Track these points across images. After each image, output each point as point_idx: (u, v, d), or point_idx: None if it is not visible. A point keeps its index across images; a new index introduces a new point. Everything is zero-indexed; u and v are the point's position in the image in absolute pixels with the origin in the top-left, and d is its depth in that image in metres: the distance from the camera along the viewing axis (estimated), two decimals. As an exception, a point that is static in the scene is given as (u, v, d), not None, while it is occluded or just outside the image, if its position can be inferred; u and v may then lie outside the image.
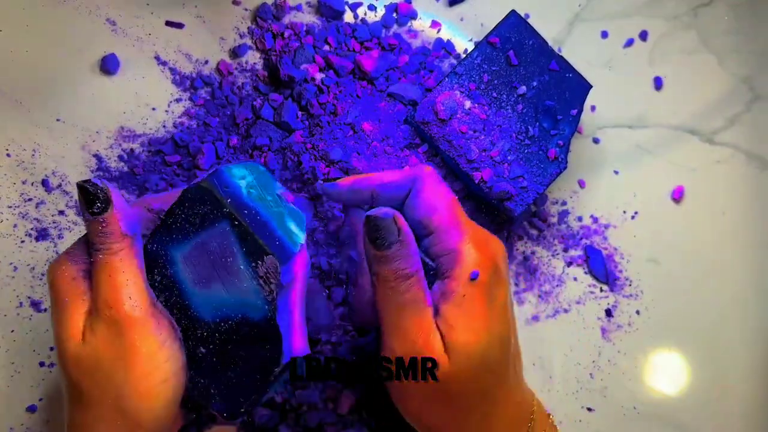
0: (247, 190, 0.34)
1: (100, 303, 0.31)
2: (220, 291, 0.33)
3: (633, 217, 0.50)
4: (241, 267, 0.32)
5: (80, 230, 0.45)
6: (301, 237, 0.34)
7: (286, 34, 0.48)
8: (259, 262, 0.32)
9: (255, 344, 0.33)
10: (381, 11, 0.50)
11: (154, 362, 0.31)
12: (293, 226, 0.34)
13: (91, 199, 0.31)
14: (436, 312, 0.32)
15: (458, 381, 0.32)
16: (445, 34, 0.51)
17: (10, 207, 0.45)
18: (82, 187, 0.31)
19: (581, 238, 0.50)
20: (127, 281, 0.31)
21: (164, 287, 0.33)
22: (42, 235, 0.45)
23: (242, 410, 0.33)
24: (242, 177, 0.34)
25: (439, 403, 0.33)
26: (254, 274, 0.32)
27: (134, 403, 0.31)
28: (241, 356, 0.33)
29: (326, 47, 0.48)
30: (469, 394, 0.33)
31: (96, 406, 0.31)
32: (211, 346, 0.33)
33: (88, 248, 0.32)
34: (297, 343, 0.34)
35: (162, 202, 0.35)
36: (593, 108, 0.51)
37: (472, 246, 0.33)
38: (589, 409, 0.47)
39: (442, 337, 0.32)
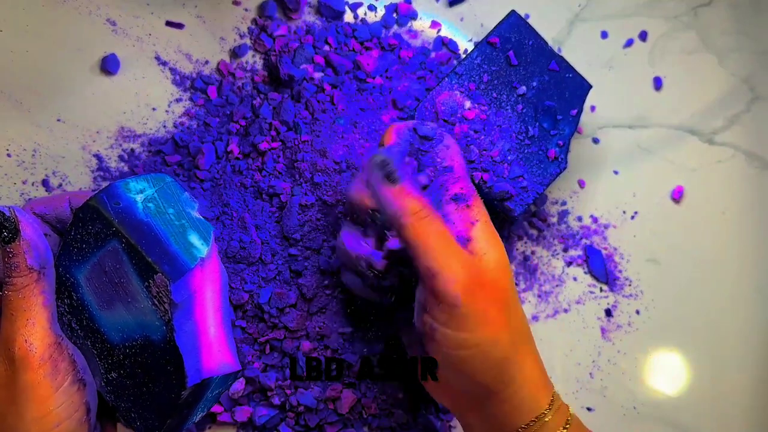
0: (144, 205, 0.33)
1: (0, 342, 0.30)
2: (122, 312, 0.32)
3: (633, 217, 0.50)
4: (137, 287, 0.32)
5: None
6: (203, 250, 0.33)
7: (286, 34, 0.48)
8: (150, 281, 0.31)
9: (159, 367, 0.32)
10: (381, 11, 0.50)
11: (46, 407, 0.30)
12: (195, 239, 0.33)
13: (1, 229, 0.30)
14: (467, 236, 0.34)
15: (491, 276, 0.34)
16: (445, 34, 0.51)
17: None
18: None
19: (581, 238, 0.50)
20: (27, 321, 0.30)
21: (74, 310, 0.33)
22: (42, 235, 0.45)
23: None
24: (140, 191, 0.33)
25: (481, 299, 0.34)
26: (148, 294, 0.32)
27: None
28: (150, 379, 0.33)
29: (326, 47, 0.48)
30: (499, 288, 0.34)
31: None
32: (121, 370, 0.33)
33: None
34: (210, 361, 0.33)
35: (44, 206, 0.34)
36: (593, 108, 0.51)
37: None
38: (589, 409, 0.47)
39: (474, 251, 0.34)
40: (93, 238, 0.32)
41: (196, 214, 0.34)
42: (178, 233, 0.33)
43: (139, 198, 0.33)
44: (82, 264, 0.32)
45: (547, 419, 0.34)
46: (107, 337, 0.33)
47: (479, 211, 0.36)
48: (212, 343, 0.34)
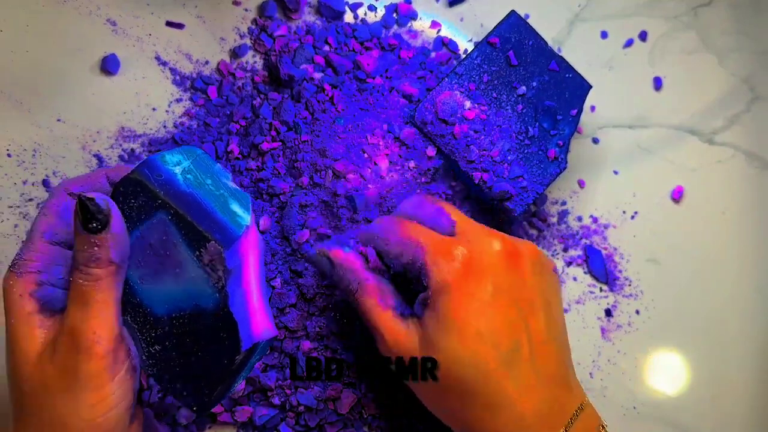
0: (183, 177, 0.33)
1: (66, 329, 0.30)
2: (169, 284, 0.32)
3: (633, 217, 0.50)
4: (186, 257, 0.32)
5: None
6: (246, 218, 0.33)
7: (286, 34, 0.48)
8: (203, 250, 0.32)
9: (212, 334, 0.32)
10: (381, 11, 0.50)
11: (100, 395, 0.31)
12: (237, 208, 0.33)
13: (88, 217, 0.30)
14: (420, 319, 0.35)
15: (444, 378, 0.34)
16: (445, 34, 0.51)
17: (11, 207, 0.45)
18: (82, 202, 0.30)
19: (581, 238, 0.50)
20: (99, 313, 0.30)
21: None
22: (42, 235, 0.45)
23: (211, 402, 0.33)
24: (177, 163, 0.33)
25: (439, 400, 0.36)
26: (199, 263, 0.32)
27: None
28: (200, 347, 0.33)
29: (326, 47, 0.48)
30: (459, 392, 0.34)
31: (36, 427, 0.31)
32: (167, 342, 0.33)
33: (73, 257, 0.31)
34: (257, 326, 0.34)
35: (81, 185, 0.34)
36: (593, 108, 0.51)
37: (438, 255, 0.35)
38: (589, 409, 0.47)
39: (426, 340, 0.34)
40: (136, 212, 0.32)
41: (231, 184, 0.34)
42: (220, 203, 0.33)
43: (177, 170, 0.33)
44: None
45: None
46: (151, 310, 0.33)
47: (430, 293, 0.35)
48: (257, 308, 0.34)
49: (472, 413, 0.34)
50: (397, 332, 0.35)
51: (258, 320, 0.34)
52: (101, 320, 0.30)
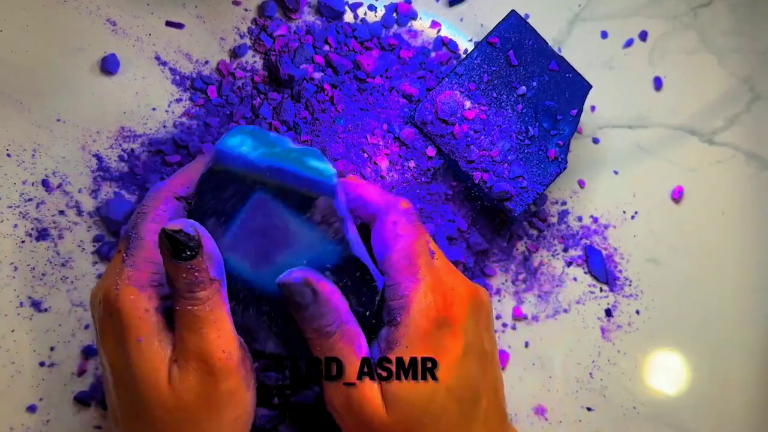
0: (256, 153, 0.32)
1: (190, 354, 0.29)
2: (286, 259, 0.32)
3: (633, 217, 0.50)
4: (296, 224, 0.31)
5: (80, 229, 0.45)
6: (329, 167, 0.32)
7: (286, 34, 0.48)
8: (312, 210, 0.31)
9: (347, 287, 0.32)
10: (381, 11, 0.50)
11: (243, 406, 0.31)
12: (316, 163, 0.32)
13: (180, 248, 0.28)
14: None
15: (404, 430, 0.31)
16: (445, 34, 0.51)
17: (10, 207, 0.45)
18: (170, 236, 0.28)
19: (581, 238, 0.50)
20: (219, 331, 0.29)
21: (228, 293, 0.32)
22: (42, 235, 0.45)
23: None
24: (240, 144, 0.32)
25: None
26: (312, 225, 0.31)
27: None
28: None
29: (326, 47, 0.48)
30: None
31: None
32: (293, 321, 0.32)
33: (170, 285, 0.29)
34: (374, 268, 0.33)
35: (187, 186, 0.33)
36: (593, 108, 0.51)
37: (427, 294, 0.31)
38: (589, 409, 0.47)
39: (383, 390, 0.31)
40: (230, 203, 0.31)
41: (295, 145, 0.34)
42: (300, 164, 0.32)
43: (246, 150, 0.32)
44: (222, 233, 0.31)
45: None
46: (270, 294, 0.32)
47: (403, 335, 0.31)
48: (365, 250, 0.34)
49: None
50: (366, 387, 0.31)
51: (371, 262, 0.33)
52: (225, 337, 0.30)
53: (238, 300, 0.32)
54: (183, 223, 0.29)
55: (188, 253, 0.28)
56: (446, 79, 0.44)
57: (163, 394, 0.30)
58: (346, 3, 0.50)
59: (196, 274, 0.29)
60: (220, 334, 0.30)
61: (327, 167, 0.32)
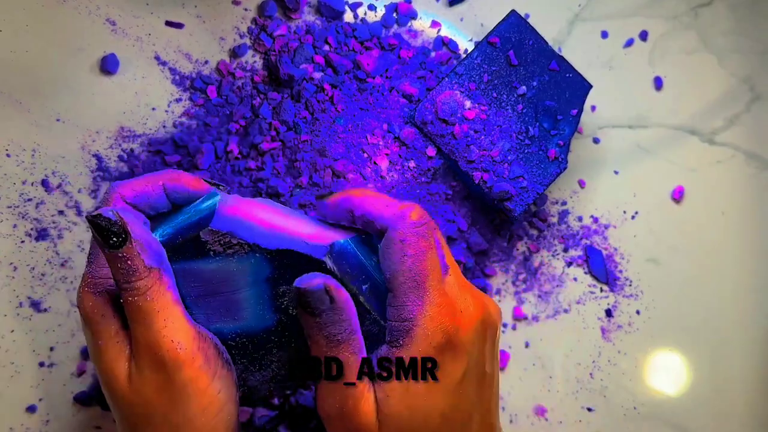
0: (157, 234, 0.32)
1: (141, 348, 0.29)
2: (238, 296, 0.32)
3: (633, 217, 0.50)
4: (215, 266, 0.32)
5: (80, 230, 0.45)
6: (210, 200, 0.32)
7: (286, 34, 0.48)
8: (207, 247, 0.31)
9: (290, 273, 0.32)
10: (381, 11, 0.50)
11: (208, 397, 0.30)
12: (205, 204, 0.32)
13: (105, 234, 0.28)
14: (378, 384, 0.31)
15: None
16: (445, 34, 0.51)
17: (10, 207, 0.45)
18: (93, 222, 0.28)
19: (581, 238, 0.50)
20: (165, 321, 0.29)
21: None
22: (42, 235, 0.45)
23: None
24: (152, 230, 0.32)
25: None
26: (224, 257, 0.32)
27: None
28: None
29: (326, 47, 0.48)
30: None
31: None
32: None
33: (114, 279, 0.29)
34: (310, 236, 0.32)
35: (136, 194, 0.32)
36: (593, 108, 0.51)
37: (434, 319, 0.30)
38: (589, 409, 0.47)
39: (377, 406, 0.30)
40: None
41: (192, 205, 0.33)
42: (189, 215, 0.32)
43: (156, 234, 0.33)
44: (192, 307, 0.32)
45: None
46: (254, 332, 0.33)
47: (411, 348, 0.30)
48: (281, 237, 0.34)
49: None
50: (360, 397, 0.30)
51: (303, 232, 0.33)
52: (173, 327, 0.29)
53: (243, 359, 0.33)
54: (104, 210, 0.28)
55: (115, 240, 0.28)
56: (446, 79, 0.44)
57: (124, 393, 0.30)
58: (346, 3, 0.50)
59: (128, 262, 0.28)
60: (167, 323, 0.29)
61: (209, 202, 0.32)
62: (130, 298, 0.29)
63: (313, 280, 0.29)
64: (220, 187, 0.33)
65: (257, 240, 0.31)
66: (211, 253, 0.31)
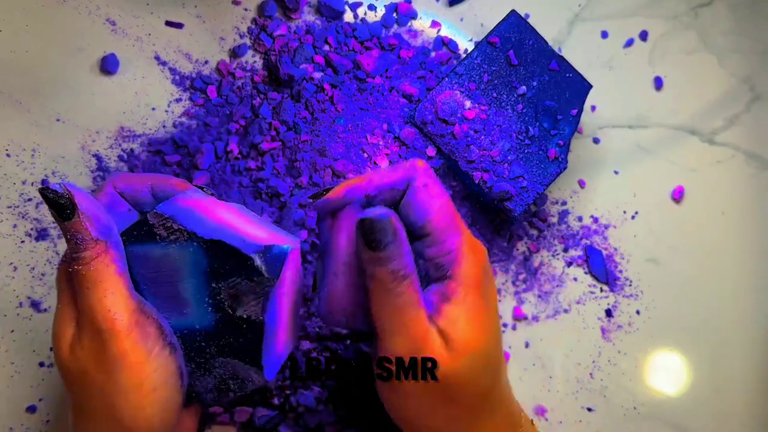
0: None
1: (83, 316, 0.30)
2: (187, 287, 0.33)
3: (633, 217, 0.50)
4: (160, 253, 0.33)
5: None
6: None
7: (286, 34, 0.48)
8: (155, 232, 0.33)
9: (223, 267, 0.33)
10: (381, 11, 0.50)
11: (141, 373, 0.30)
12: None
13: (57, 206, 0.29)
14: (437, 312, 0.32)
15: (460, 378, 0.32)
16: (445, 34, 0.51)
17: (10, 207, 0.45)
18: (43, 194, 0.29)
19: (581, 238, 0.50)
20: (106, 291, 0.30)
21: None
22: (42, 235, 0.45)
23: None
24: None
25: (437, 404, 0.32)
26: (167, 243, 0.33)
27: (128, 413, 0.31)
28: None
29: (326, 47, 0.48)
30: (469, 394, 0.33)
31: (93, 416, 0.31)
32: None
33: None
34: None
35: (126, 185, 0.34)
36: (593, 108, 0.51)
37: (470, 245, 0.33)
38: (589, 409, 0.47)
39: (443, 336, 0.32)
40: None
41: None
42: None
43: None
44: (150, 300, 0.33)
45: None
46: (209, 327, 0.33)
47: (460, 284, 0.32)
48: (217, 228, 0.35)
49: (471, 417, 0.33)
50: (427, 330, 0.31)
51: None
52: (112, 298, 0.30)
53: (189, 362, 0.33)
54: (53, 183, 0.30)
55: (66, 212, 0.29)
56: (446, 79, 0.44)
57: (66, 358, 0.31)
58: (346, 3, 0.50)
59: (77, 234, 0.30)
60: (107, 294, 0.30)
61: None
62: (76, 268, 0.30)
63: (377, 210, 0.31)
64: (204, 190, 0.35)
65: (195, 228, 0.32)
66: (158, 237, 0.32)
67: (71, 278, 0.31)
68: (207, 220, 0.33)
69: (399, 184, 0.33)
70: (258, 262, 0.32)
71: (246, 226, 0.33)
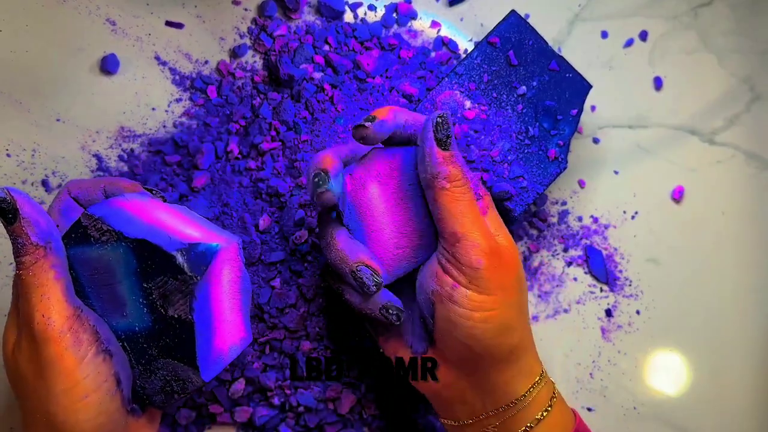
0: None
1: (21, 320, 0.31)
2: (124, 287, 0.33)
3: (633, 217, 0.50)
4: (98, 254, 0.33)
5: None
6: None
7: (286, 34, 0.48)
8: (88, 233, 0.33)
9: (151, 266, 0.33)
10: (381, 11, 0.50)
11: (72, 379, 0.31)
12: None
13: (1, 211, 0.30)
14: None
15: (510, 251, 0.36)
16: (445, 34, 0.51)
17: (10, 207, 0.45)
18: None
19: (581, 238, 0.50)
20: (42, 296, 0.31)
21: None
22: (42, 235, 0.45)
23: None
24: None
25: (471, 362, 0.35)
26: (101, 245, 0.33)
27: (60, 418, 0.31)
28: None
29: (326, 47, 0.48)
30: (515, 286, 0.36)
31: (31, 415, 0.32)
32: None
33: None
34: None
35: (80, 190, 0.35)
36: (593, 108, 0.51)
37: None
38: (589, 409, 0.47)
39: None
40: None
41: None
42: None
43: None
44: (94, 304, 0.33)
45: (540, 387, 0.36)
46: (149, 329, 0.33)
47: (490, 202, 0.38)
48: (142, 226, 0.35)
49: (501, 367, 0.36)
50: (487, 231, 0.36)
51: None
52: (47, 303, 0.31)
53: (137, 364, 0.34)
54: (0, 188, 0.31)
55: (9, 216, 0.30)
56: (446, 79, 0.44)
57: (8, 359, 0.32)
58: (346, 3, 0.50)
59: (19, 239, 0.30)
60: (43, 299, 0.31)
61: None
62: (18, 272, 0.31)
63: (436, 112, 0.35)
64: (153, 192, 0.36)
65: (123, 228, 0.33)
66: (92, 239, 0.33)
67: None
68: (137, 220, 0.33)
69: (409, 128, 0.37)
70: (180, 259, 0.32)
71: (180, 225, 0.34)
